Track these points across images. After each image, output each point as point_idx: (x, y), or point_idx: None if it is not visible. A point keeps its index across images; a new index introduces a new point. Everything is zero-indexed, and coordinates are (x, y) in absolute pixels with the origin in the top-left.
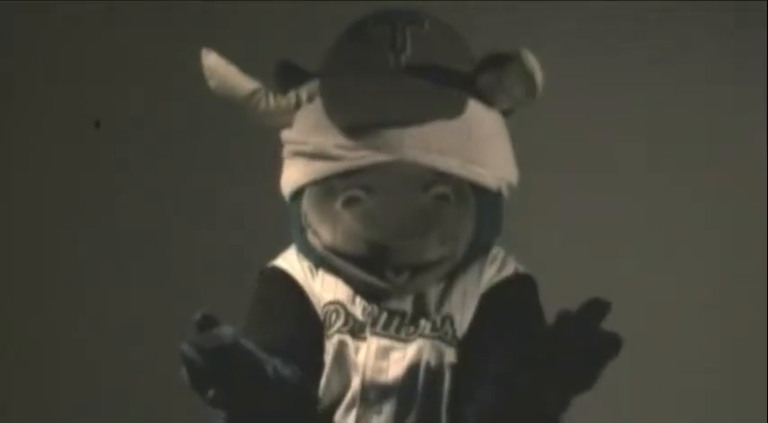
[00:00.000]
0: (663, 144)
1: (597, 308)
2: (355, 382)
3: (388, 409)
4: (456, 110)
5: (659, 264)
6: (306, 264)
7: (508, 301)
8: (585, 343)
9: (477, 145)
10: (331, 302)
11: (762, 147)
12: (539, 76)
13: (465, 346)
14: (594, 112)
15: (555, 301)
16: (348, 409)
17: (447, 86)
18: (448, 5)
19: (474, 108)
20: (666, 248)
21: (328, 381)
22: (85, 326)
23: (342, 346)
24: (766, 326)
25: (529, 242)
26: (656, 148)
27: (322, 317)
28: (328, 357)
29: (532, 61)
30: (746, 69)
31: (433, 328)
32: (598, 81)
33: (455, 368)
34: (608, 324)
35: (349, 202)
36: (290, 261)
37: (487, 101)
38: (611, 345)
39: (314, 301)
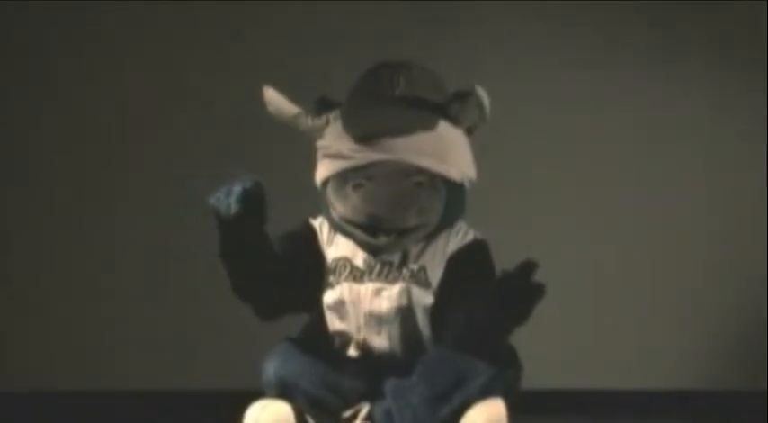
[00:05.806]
0: (661, 144)
1: (529, 266)
2: (360, 313)
3: (383, 329)
4: (432, 126)
5: None
6: (327, 227)
7: (469, 260)
8: (522, 290)
9: (446, 150)
10: (340, 258)
11: (762, 147)
12: (488, 106)
13: (439, 291)
14: (595, 112)
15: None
16: (357, 332)
17: (426, 110)
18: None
19: (444, 126)
20: None
21: (343, 315)
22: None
23: (350, 289)
24: None
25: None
26: (655, 147)
27: (333, 266)
28: (339, 297)
29: (484, 95)
30: (746, 68)
31: (412, 275)
32: (599, 80)
33: (431, 307)
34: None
35: (356, 187)
36: (320, 222)
37: (454, 121)
38: (539, 291)
39: (322, 247)
